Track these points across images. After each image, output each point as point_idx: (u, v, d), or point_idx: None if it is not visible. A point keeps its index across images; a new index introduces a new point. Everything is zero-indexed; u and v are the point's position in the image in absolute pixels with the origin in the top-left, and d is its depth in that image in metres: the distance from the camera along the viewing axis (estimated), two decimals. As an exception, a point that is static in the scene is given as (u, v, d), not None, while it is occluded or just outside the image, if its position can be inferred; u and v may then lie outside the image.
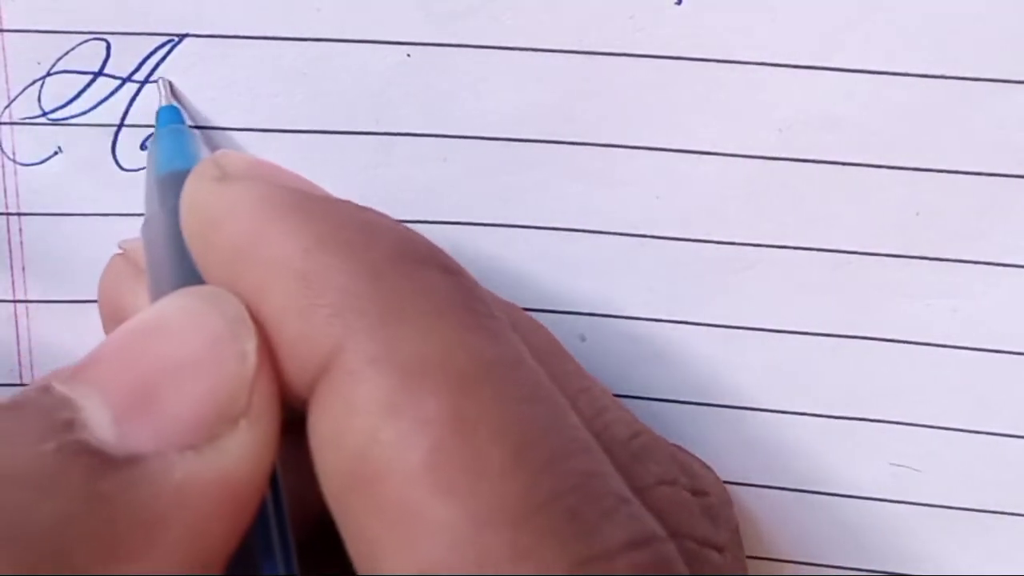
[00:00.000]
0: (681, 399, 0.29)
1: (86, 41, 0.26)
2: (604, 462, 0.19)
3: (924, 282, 0.27)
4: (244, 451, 0.18)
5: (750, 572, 0.29)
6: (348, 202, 0.21)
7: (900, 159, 0.26)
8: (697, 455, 0.27)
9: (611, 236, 0.27)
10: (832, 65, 0.25)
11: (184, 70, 0.26)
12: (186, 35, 0.26)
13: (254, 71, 0.26)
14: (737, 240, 0.27)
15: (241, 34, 0.26)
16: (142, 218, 0.24)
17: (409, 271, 0.19)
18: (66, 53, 0.26)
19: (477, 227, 0.27)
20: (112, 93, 0.26)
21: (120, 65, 0.26)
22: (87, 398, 0.18)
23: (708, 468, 0.27)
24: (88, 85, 0.26)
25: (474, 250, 0.28)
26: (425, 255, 0.20)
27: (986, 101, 0.25)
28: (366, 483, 0.17)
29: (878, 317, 0.27)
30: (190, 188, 0.21)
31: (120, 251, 0.26)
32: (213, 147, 0.27)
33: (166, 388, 0.18)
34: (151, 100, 0.26)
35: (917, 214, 0.26)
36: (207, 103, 0.27)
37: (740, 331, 0.28)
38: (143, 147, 0.27)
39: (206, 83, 0.27)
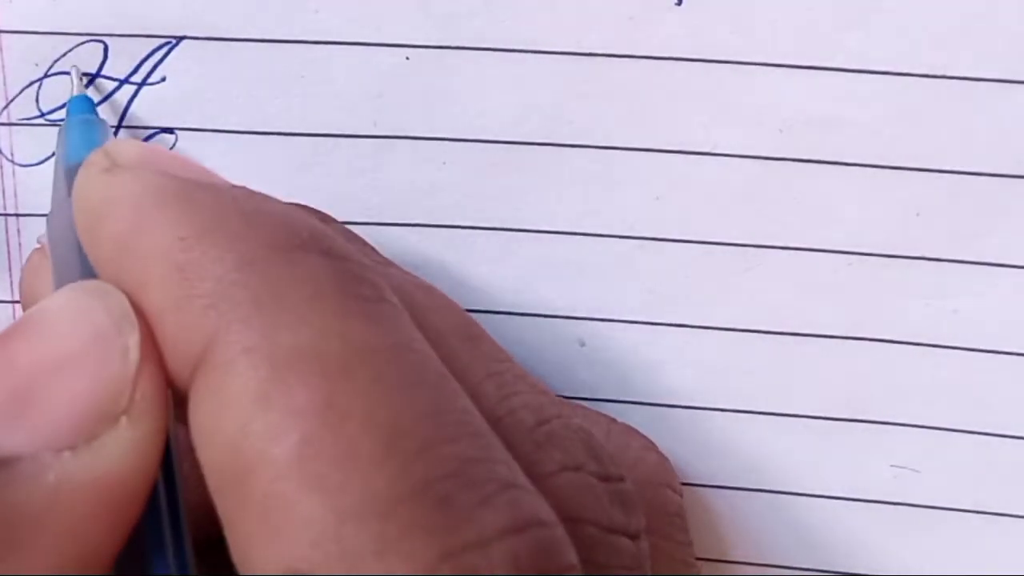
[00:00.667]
0: (680, 403, 0.28)
1: (84, 43, 0.26)
2: (491, 447, 0.18)
3: (925, 283, 0.27)
4: (124, 450, 0.18)
5: (750, 575, 0.29)
6: (238, 188, 0.20)
7: (901, 159, 0.26)
8: (696, 459, 0.27)
9: (611, 239, 0.27)
10: (832, 65, 0.25)
11: (182, 72, 0.26)
12: (184, 37, 0.26)
13: (252, 73, 0.26)
14: (737, 241, 0.27)
15: (239, 36, 0.26)
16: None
17: (287, 258, 0.19)
18: (64, 54, 0.26)
19: (476, 230, 0.27)
20: (110, 94, 0.26)
21: (118, 67, 0.26)
22: None
23: (651, 448, 0.27)
24: (86, 86, 0.26)
25: (473, 253, 0.28)
26: (306, 240, 0.19)
27: (987, 101, 0.25)
28: (238, 478, 0.17)
29: (879, 318, 0.27)
30: (79, 180, 0.21)
31: (39, 245, 0.25)
32: (209, 150, 0.27)
33: (45, 386, 0.18)
34: (149, 102, 0.26)
35: (918, 214, 0.26)
36: (204, 105, 0.27)
37: (741, 333, 0.28)
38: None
39: (204, 85, 0.26)
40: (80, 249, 0.21)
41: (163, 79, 0.26)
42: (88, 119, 0.25)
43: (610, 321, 0.28)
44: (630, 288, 0.28)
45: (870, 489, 0.28)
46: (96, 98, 0.26)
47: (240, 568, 0.17)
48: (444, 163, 0.27)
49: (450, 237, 0.27)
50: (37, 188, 0.27)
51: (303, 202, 0.24)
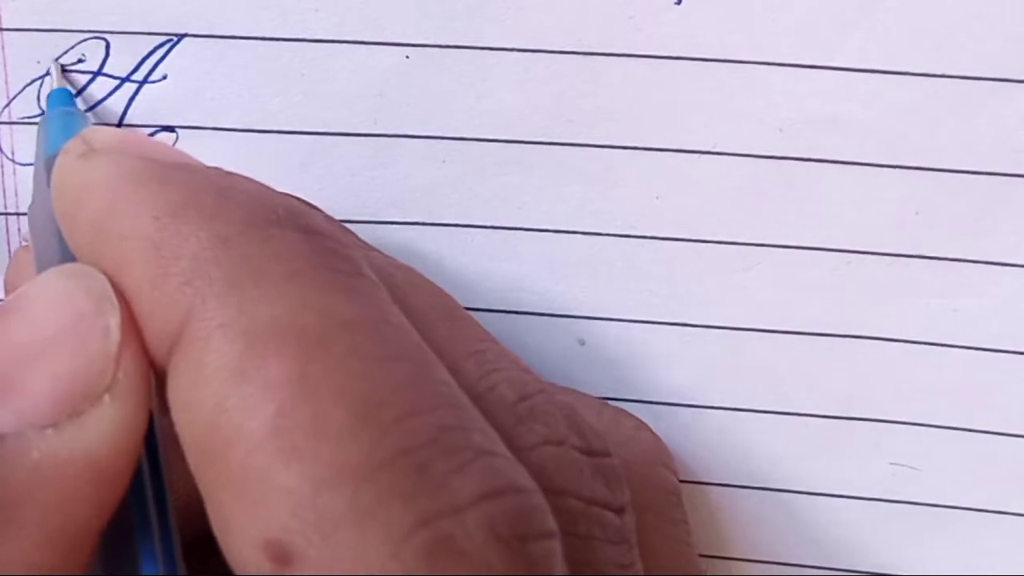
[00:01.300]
0: (681, 402, 0.28)
1: (85, 40, 0.26)
2: (468, 417, 0.18)
3: (924, 282, 0.27)
4: (107, 427, 0.18)
5: (750, 573, 0.29)
6: (212, 168, 0.20)
7: (900, 158, 0.26)
8: (696, 457, 0.27)
9: (610, 237, 0.27)
10: (832, 64, 0.25)
11: (182, 70, 0.26)
12: (185, 35, 0.26)
13: (252, 71, 0.26)
14: (737, 240, 0.27)
15: (239, 34, 0.26)
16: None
17: (263, 234, 0.19)
18: (65, 52, 0.26)
19: (476, 229, 0.27)
20: (111, 92, 0.26)
21: (119, 65, 0.26)
22: None
23: (643, 427, 0.27)
24: (87, 84, 0.26)
25: (472, 252, 0.28)
26: (282, 217, 0.19)
27: (987, 101, 0.25)
28: (216, 453, 0.17)
29: (878, 317, 0.27)
30: (57, 166, 0.21)
31: (25, 243, 0.26)
32: (209, 148, 0.27)
33: (28, 367, 0.18)
34: (150, 100, 0.26)
35: (917, 213, 0.26)
36: (205, 103, 0.27)
37: (740, 332, 0.28)
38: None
39: (204, 83, 0.26)
40: (61, 237, 0.21)
41: (164, 77, 0.26)
42: (67, 111, 0.26)
43: (610, 320, 0.28)
44: (630, 287, 0.28)
45: (869, 487, 0.29)
46: (98, 96, 0.26)
47: (220, 541, 0.17)
48: (444, 161, 0.27)
49: (450, 235, 0.27)
50: (38, 187, 0.27)
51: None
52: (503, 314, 0.28)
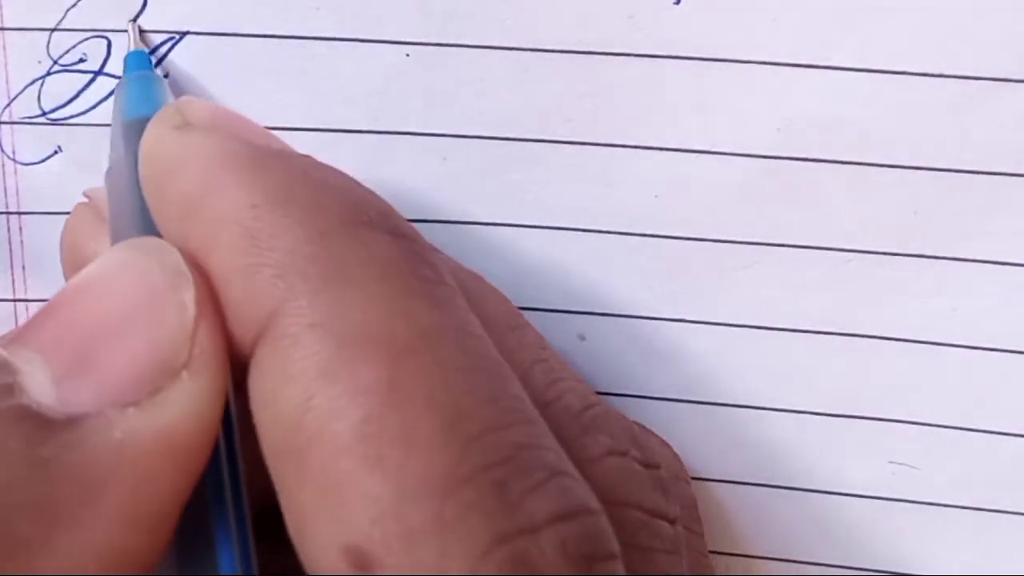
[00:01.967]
0: (680, 398, 0.29)
1: (87, 39, 0.26)
2: (542, 435, 0.18)
3: (923, 281, 0.27)
4: (187, 404, 0.18)
5: (749, 572, 0.29)
6: (306, 158, 0.20)
7: (899, 158, 0.26)
8: (696, 453, 0.27)
9: (610, 235, 0.27)
10: (831, 64, 0.25)
11: (184, 68, 0.26)
12: (186, 33, 0.26)
13: (253, 69, 0.26)
14: (736, 239, 0.27)
15: (241, 32, 0.26)
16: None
17: (356, 234, 0.19)
18: (66, 52, 0.26)
19: (476, 226, 0.27)
20: (112, 92, 0.26)
21: (121, 64, 0.26)
22: (27, 361, 0.18)
23: (666, 445, 0.27)
24: (88, 84, 0.26)
25: (473, 249, 0.28)
26: (375, 218, 0.19)
27: (985, 100, 0.25)
28: (298, 451, 0.17)
29: (877, 316, 0.27)
30: (149, 134, 0.21)
31: (85, 199, 0.25)
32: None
33: (105, 344, 0.18)
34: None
35: (916, 213, 0.26)
36: (207, 101, 0.27)
37: (739, 329, 0.28)
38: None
39: (206, 81, 0.27)
40: (140, 205, 0.21)
41: (166, 76, 0.26)
42: (145, 75, 0.25)
43: (610, 316, 0.28)
44: (630, 284, 0.28)
45: (868, 485, 0.29)
46: (100, 95, 0.27)
47: (296, 540, 0.18)
48: (444, 159, 0.27)
49: (450, 232, 0.28)
50: (39, 187, 0.27)
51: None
52: (502, 312, 0.28)
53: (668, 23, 0.25)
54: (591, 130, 0.26)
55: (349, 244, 0.19)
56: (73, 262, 0.25)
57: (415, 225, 0.27)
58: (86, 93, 0.27)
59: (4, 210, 0.27)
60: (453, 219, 0.27)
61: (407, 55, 0.26)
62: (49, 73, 0.26)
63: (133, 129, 0.23)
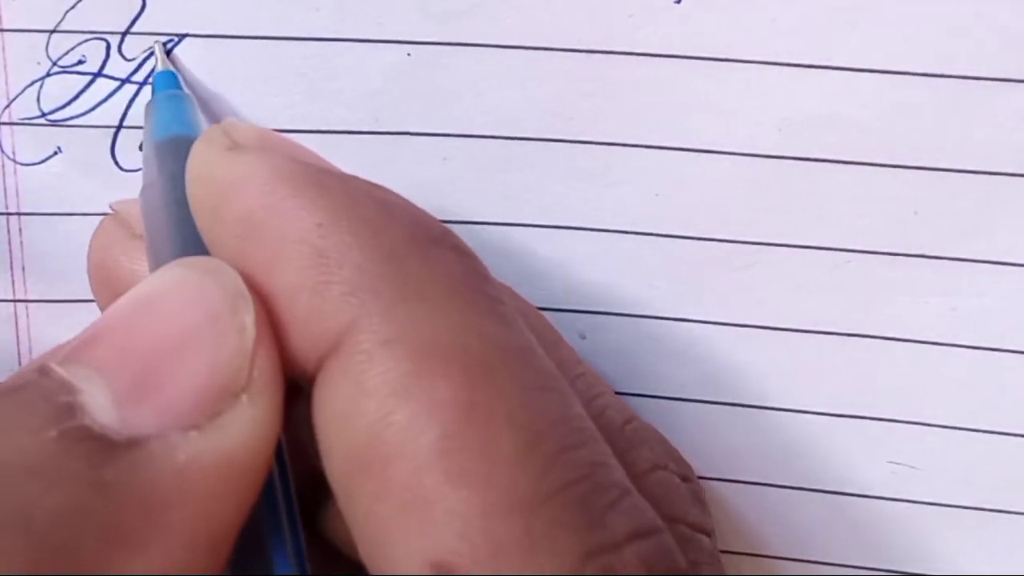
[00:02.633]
0: (681, 396, 0.29)
1: (86, 41, 0.26)
2: (607, 452, 0.19)
3: (924, 280, 0.27)
4: (247, 427, 0.18)
5: (749, 571, 0.29)
6: (361, 179, 0.21)
7: (900, 158, 0.26)
8: (697, 452, 0.27)
9: (611, 234, 0.27)
10: (832, 64, 0.25)
11: (183, 70, 0.26)
12: (186, 35, 0.26)
13: (253, 71, 0.26)
14: (737, 238, 0.27)
15: (240, 34, 0.26)
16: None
17: (424, 252, 0.19)
18: (66, 53, 0.26)
19: (477, 226, 0.27)
20: (112, 94, 0.27)
21: (120, 66, 0.26)
22: (87, 380, 0.18)
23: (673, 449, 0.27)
24: (88, 86, 0.26)
25: (475, 249, 0.27)
26: (439, 236, 0.20)
27: (986, 100, 0.25)
28: (376, 466, 0.17)
29: (878, 315, 0.27)
30: (199, 156, 0.21)
31: (112, 212, 0.25)
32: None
33: (166, 366, 0.18)
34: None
35: (916, 213, 0.26)
36: (206, 103, 0.27)
37: (740, 329, 0.28)
38: (143, 148, 0.27)
39: (205, 83, 0.27)
40: (181, 224, 0.21)
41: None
42: (175, 94, 0.25)
43: (611, 315, 0.28)
44: (630, 283, 0.28)
45: (869, 485, 0.29)
46: (99, 97, 0.27)
47: (371, 552, 0.18)
48: (445, 159, 0.27)
49: (451, 232, 0.28)
50: (38, 187, 0.27)
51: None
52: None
53: (669, 22, 0.25)
54: (592, 129, 0.26)
55: (417, 261, 0.19)
56: (104, 279, 0.25)
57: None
58: (85, 94, 0.27)
59: (4, 211, 0.27)
60: (454, 219, 0.27)
61: (408, 55, 0.26)
62: (48, 74, 0.26)
63: (166, 148, 0.23)
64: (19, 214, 0.27)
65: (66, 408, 0.17)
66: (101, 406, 0.17)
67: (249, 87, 0.27)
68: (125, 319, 0.19)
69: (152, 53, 0.26)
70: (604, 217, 0.27)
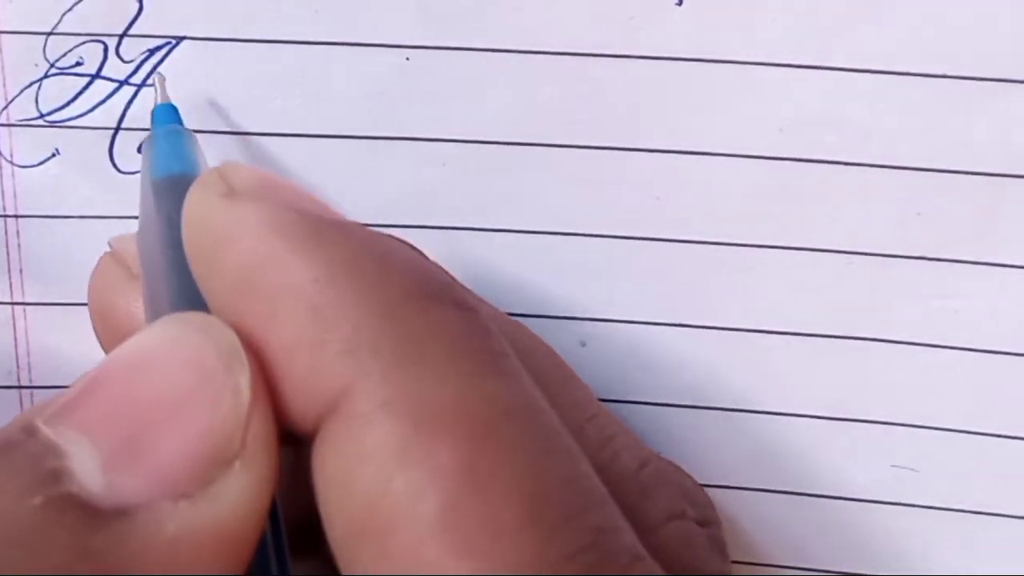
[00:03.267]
0: (681, 403, 0.28)
1: (83, 43, 0.26)
2: (616, 515, 0.18)
3: (925, 283, 0.27)
4: (239, 495, 0.17)
5: (749, 574, 0.29)
6: (363, 228, 0.20)
7: (901, 159, 0.26)
8: (697, 459, 0.27)
9: (611, 239, 0.27)
10: (833, 65, 0.25)
11: (181, 73, 0.26)
12: (184, 38, 0.26)
13: (252, 74, 0.26)
14: (738, 241, 0.27)
15: (239, 37, 0.26)
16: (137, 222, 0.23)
17: (424, 308, 0.18)
18: (63, 55, 0.26)
19: (476, 231, 0.27)
20: (110, 95, 0.26)
21: (117, 68, 0.26)
22: (74, 444, 0.17)
23: (700, 489, 0.27)
24: (85, 87, 0.26)
25: (473, 254, 0.28)
26: (440, 290, 0.19)
27: (987, 101, 0.25)
28: (376, 533, 0.17)
29: (879, 318, 0.27)
30: (194, 202, 0.20)
31: (109, 250, 0.25)
32: (210, 151, 0.27)
33: (157, 430, 0.17)
34: (149, 103, 0.26)
35: (918, 214, 0.26)
36: (204, 106, 0.27)
37: (741, 333, 0.28)
38: (140, 150, 0.27)
39: (203, 86, 0.26)
40: (177, 269, 0.20)
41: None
42: (174, 129, 0.25)
43: (611, 321, 0.28)
44: (631, 288, 0.28)
45: (869, 488, 0.28)
46: (96, 100, 0.26)
47: None
48: (444, 164, 0.27)
49: (450, 238, 0.27)
50: (37, 189, 0.27)
51: (323, 200, 0.24)
52: (504, 316, 0.28)
53: (669, 24, 0.25)
54: (592, 132, 0.26)
55: (418, 319, 0.18)
56: (101, 315, 0.24)
57: (415, 230, 0.27)
58: (83, 96, 0.26)
59: (2, 213, 0.27)
60: (453, 224, 0.27)
61: (407, 59, 0.26)
62: (46, 76, 0.26)
63: (164, 188, 0.22)
64: (17, 216, 0.27)
65: (52, 473, 0.17)
66: (88, 472, 0.17)
67: (246, 90, 0.26)
68: (116, 378, 0.18)
69: (149, 55, 0.26)
70: (604, 221, 0.27)
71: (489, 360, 0.18)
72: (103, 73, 0.26)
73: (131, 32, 0.26)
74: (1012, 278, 0.27)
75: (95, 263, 0.25)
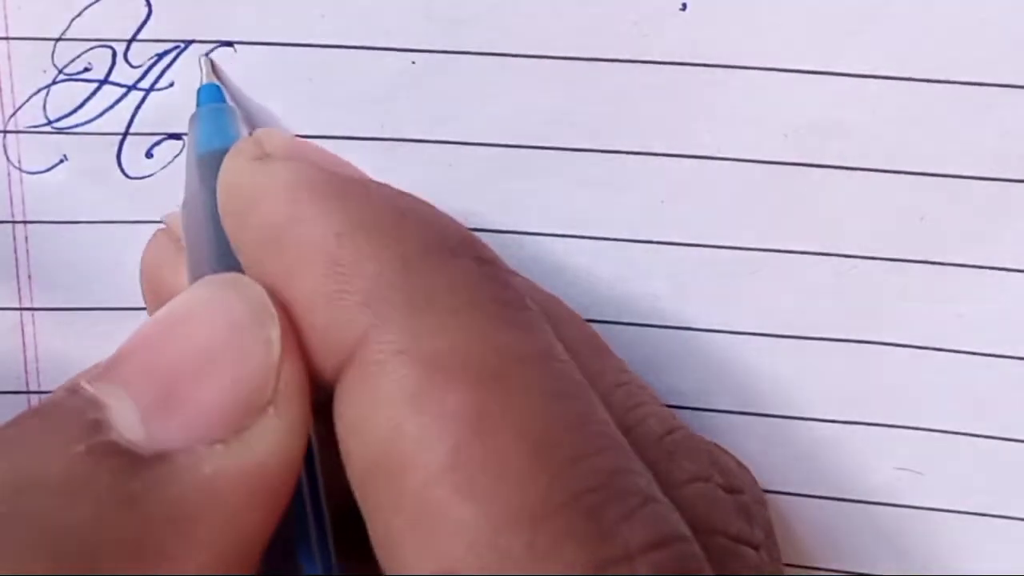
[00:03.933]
0: (685, 405, 0.29)
1: (92, 49, 0.26)
2: (631, 459, 0.18)
3: (929, 287, 0.27)
4: (273, 440, 0.18)
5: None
6: (386, 186, 0.21)
7: (905, 164, 0.26)
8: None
9: (616, 242, 0.27)
10: (837, 70, 0.25)
11: (189, 77, 0.26)
12: (192, 42, 0.26)
13: (259, 77, 0.26)
14: (742, 245, 0.27)
15: (246, 40, 0.26)
16: (147, 228, 0.24)
17: (441, 261, 0.19)
18: (71, 61, 0.26)
19: (481, 233, 0.27)
20: (117, 101, 0.26)
21: (125, 73, 0.26)
22: (114, 397, 0.18)
23: (744, 468, 0.27)
24: (94, 93, 0.26)
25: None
26: (458, 244, 0.20)
27: (991, 106, 0.25)
28: (388, 476, 0.17)
29: (883, 321, 0.27)
30: (228, 166, 0.21)
31: (163, 225, 0.26)
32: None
33: (191, 381, 0.18)
34: (157, 108, 0.26)
35: (922, 219, 0.26)
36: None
37: (745, 336, 0.28)
38: (149, 155, 0.27)
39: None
40: (217, 237, 0.21)
41: (171, 84, 0.26)
42: (218, 107, 0.26)
43: (615, 324, 0.28)
44: (635, 291, 0.28)
45: (873, 491, 0.29)
46: (105, 105, 0.26)
47: (385, 562, 0.18)
48: (450, 166, 0.27)
49: (456, 240, 0.27)
50: (44, 196, 0.27)
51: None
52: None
53: (673, 29, 0.25)
54: (597, 136, 0.26)
55: (433, 271, 0.19)
56: (154, 291, 0.25)
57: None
58: (91, 102, 0.27)
59: (10, 219, 0.27)
60: (458, 226, 0.27)
61: (413, 62, 0.26)
62: (54, 82, 0.26)
63: (208, 163, 0.23)
64: (25, 222, 0.27)
65: (93, 424, 0.17)
66: (128, 422, 0.18)
67: (254, 93, 0.27)
68: (152, 338, 0.19)
69: (157, 60, 0.26)
70: (609, 225, 0.27)
71: (504, 310, 0.19)
72: (111, 79, 0.26)
73: (139, 37, 0.26)
74: (1015, 282, 0.27)
75: (107, 270, 0.26)
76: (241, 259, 0.20)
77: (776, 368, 0.28)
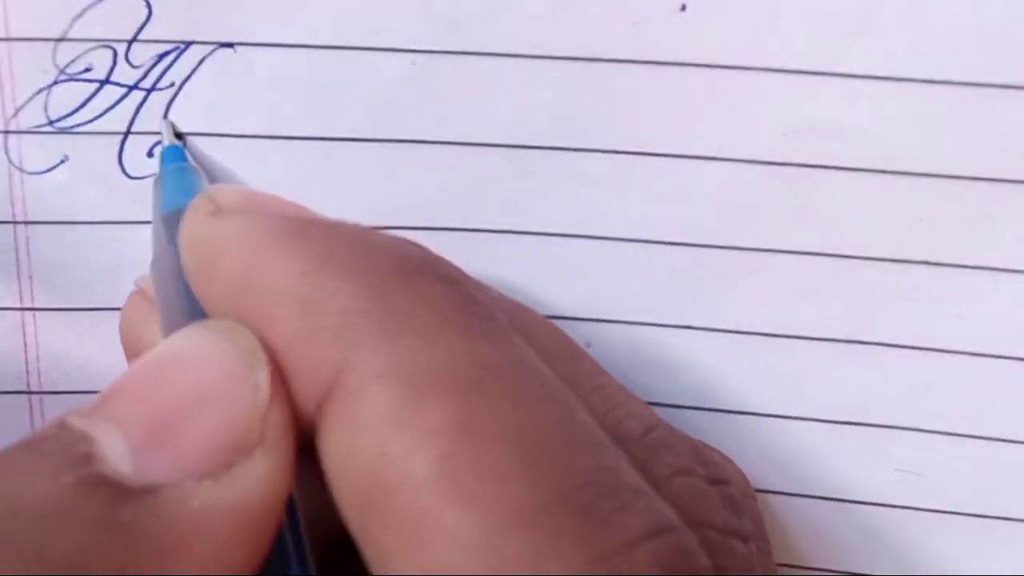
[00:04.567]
0: (685, 404, 0.29)
1: (92, 49, 0.26)
2: (616, 456, 0.19)
3: (927, 287, 0.27)
4: (260, 479, 0.18)
5: None
6: (343, 222, 0.21)
7: (903, 164, 0.26)
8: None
9: (616, 242, 0.27)
10: (836, 71, 0.25)
11: (190, 78, 0.26)
12: (192, 42, 0.26)
13: (259, 78, 0.26)
14: (741, 245, 0.27)
15: (245, 41, 0.26)
16: (148, 228, 0.24)
17: (407, 284, 0.19)
18: (72, 61, 0.26)
19: (483, 234, 0.27)
20: (119, 101, 0.27)
21: (126, 73, 0.26)
22: (104, 432, 0.18)
23: (729, 461, 0.27)
24: (95, 93, 0.26)
25: (480, 257, 0.28)
26: (421, 266, 0.20)
27: (990, 107, 0.25)
28: (378, 498, 0.17)
29: (881, 322, 0.27)
30: (187, 224, 0.21)
31: (136, 288, 0.26)
32: (218, 154, 0.27)
33: (182, 420, 0.18)
34: (158, 108, 0.27)
35: (920, 219, 0.26)
36: (213, 110, 0.27)
37: (744, 336, 0.28)
38: (150, 154, 0.27)
39: (212, 90, 0.27)
40: (187, 292, 0.21)
41: (172, 85, 0.26)
42: (180, 167, 0.26)
43: (616, 323, 0.28)
44: (635, 290, 0.28)
45: (873, 492, 0.29)
46: (106, 105, 0.27)
47: None
48: (450, 167, 0.27)
49: (456, 240, 0.28)
50: (46, 196, 0.27)
51: (308, 206, 0.24)
52: (509, 319, 0.28)
53: (673, 29, 0.25)
54: (596, 137, 0.27)
55: (401, 294, 0.19)
56: (133, 349, 0.25)
57: (422, 233, 0.27)
58: (92, 102, 0.27)
59: (11, 219, 0.27)
60: (459, 227, 0.27)
61: (412, 63, 0.26)
62: (55, 82, 0.26)
63: (172, 221, 0.23)
64: (26, 223, 0.27)
65: (83, 457, 0.18)
66: (117, 454, 0.18)
67: (254, 94, 0.27)
68: (143, 378, 0.19)
69: (158, 60, 0.26)
70: (609, 225, 0.27)
71: (475, 324, 0.19)
72: (112, 79, 0.26)
73: (140, 37, 0.26)
74: (1014, 282, 0.27)
75: (109, 270, 0.26)
76: (211, 313, 0.21)
77: (775, 368, 0.28)
